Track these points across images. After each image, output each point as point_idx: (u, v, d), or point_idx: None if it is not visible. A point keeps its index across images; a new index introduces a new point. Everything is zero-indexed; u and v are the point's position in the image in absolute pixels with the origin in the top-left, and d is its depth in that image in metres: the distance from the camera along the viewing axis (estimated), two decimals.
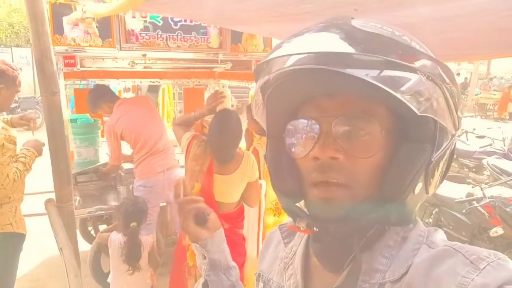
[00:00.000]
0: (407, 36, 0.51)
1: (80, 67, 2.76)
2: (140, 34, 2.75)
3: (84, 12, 2.50)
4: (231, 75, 3.73)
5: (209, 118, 2.45)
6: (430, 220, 3.77)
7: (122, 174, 3.21)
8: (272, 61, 0.52)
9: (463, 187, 3.74)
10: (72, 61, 2.65)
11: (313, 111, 0.54)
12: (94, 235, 3.39)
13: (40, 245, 3.64)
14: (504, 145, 5.59)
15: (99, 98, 2.99)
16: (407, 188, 0.51)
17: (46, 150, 2.06)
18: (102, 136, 3.44)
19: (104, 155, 3.57)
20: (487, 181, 4.79)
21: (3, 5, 14.05)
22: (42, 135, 2.18)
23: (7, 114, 4.94)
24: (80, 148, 3.45)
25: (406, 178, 0.50)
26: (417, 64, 0.47)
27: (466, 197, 3.36)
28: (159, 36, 2.81)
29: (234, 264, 0.84)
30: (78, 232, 3.03)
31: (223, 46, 3.07)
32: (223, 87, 4.08)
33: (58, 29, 2.49)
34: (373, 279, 0.52)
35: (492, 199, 3.13)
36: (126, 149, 3.11)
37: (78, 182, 3.25)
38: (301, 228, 0.56)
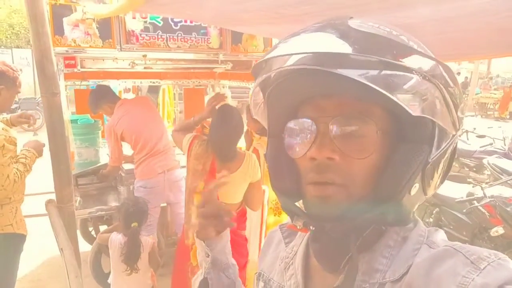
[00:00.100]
0: (405, 36, 0.51)
1: (81, 68, 2.76)
2: (141, 34, 2.74)
3: (84, 13, 2.50)
4: (232, 76, 3.73)
5: (209, 119, 2.45)
6: (431, 219, 3.77)
7: (123, 174, 3.21)
8: (270, 60, 0.52)
9: (463, 187, 3.73)
10: (73, 62, 2.65)
11: (311, 111, 0.54)
12: (94, 235, 3.39)
13: (40, 246, 3.64)
14: (505, 145, 5.57)
15: (100, 98, 2.98)
16: (403, 189, 0.50)
17: (46, 151, 2.06)
18: (103, 136, 3.43)
19: (104, 156, 3.58)
20: (488, 180, 4.78)
21: (3, 6, 14.07)
22: (42, 136, 2.18)
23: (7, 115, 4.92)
24: (81, 148, 3.46)
25: (401, 178, 0.50)
26: (413, 64, 0.47)
27: (466, 196, 3.36)
28: (159, 36, 2.81)
29: (233, 262, 0.83)
30: (78, 232, 3.02)
31: (224, 46, 3.06)
32: (223, 87, 4.08)
33: (58, 30, 2.49)
34: (373, 279, 0.52)
35: (493, 199, 3.13)
36: (127, 150, 3.11)
37: (79, 183, 3.25)
38: (298, 227, 0.56)
